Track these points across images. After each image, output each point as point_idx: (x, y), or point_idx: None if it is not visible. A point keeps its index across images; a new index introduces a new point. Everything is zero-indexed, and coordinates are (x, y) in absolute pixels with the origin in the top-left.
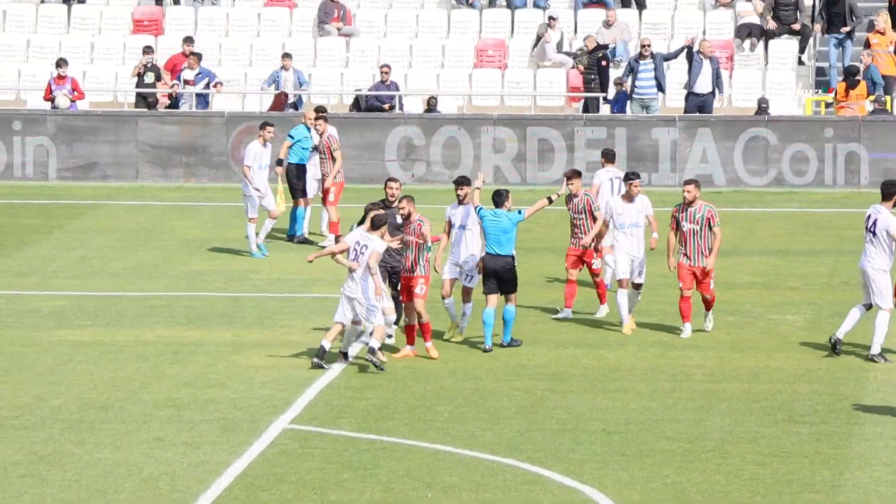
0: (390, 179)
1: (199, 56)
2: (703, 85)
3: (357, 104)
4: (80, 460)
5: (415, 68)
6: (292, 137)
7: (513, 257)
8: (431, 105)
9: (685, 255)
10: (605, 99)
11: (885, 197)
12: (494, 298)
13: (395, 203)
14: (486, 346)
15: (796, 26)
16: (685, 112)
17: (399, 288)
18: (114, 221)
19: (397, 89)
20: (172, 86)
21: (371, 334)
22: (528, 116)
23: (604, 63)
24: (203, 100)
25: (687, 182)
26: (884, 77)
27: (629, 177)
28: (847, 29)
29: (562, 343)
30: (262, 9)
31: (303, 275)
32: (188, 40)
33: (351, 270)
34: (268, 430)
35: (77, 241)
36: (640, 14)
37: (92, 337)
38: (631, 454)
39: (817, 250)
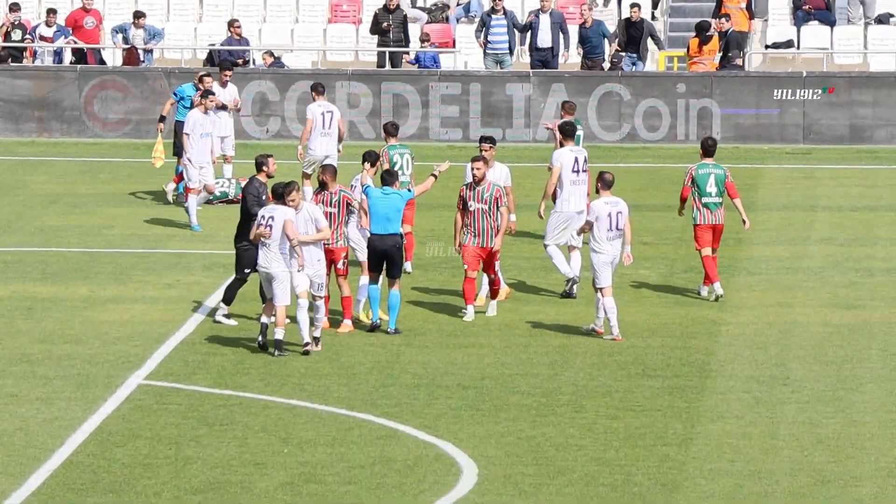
0: (268, 155)
1: (55, 11)
2: (544, 40)
3: (211, 59)
4: None
5: (269, 23)
6: (176, 95)
7: (401, 236)
8: (277, 59)
9: (473, 234)
10: (412, 55)
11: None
12: (376, 276)
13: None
14: (374, 321)
15: None
16: (531, 68)
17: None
18: None
19: (248, 45)
20: (72, 41)
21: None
22: (383, 72)
23: (410, 23)
24: (59, 57)
25: (475, 159)
26: (737, 33)
27: (483, 140)
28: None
29: (416, 299)
30: None
31: (158, 230)
32: None
33: (262, 239)
34: (123, 386)
35: None
36: None
37: None
38: (486, 409)
39: (670, 205)
